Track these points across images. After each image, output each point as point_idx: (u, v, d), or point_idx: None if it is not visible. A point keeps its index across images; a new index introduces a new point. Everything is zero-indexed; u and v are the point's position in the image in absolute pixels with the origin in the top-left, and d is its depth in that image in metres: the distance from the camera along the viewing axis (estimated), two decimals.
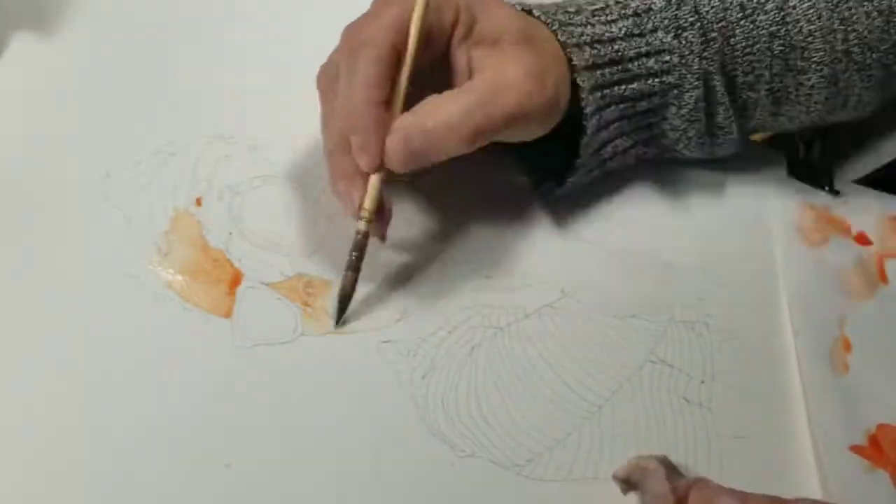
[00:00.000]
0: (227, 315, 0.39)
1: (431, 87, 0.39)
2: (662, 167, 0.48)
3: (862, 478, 0.39)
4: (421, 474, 0.36)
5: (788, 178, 0.52)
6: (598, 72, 0.42)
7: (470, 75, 0.40)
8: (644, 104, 0.43)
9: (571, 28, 0.42)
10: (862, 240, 0.48)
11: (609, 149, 0.44)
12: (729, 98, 0.44)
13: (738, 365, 0.42)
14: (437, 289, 0.42)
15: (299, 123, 0.46)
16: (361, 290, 0.40)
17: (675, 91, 0.43)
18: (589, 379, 0.41)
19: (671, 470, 0.37)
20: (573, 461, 0.38)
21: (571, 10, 0.43)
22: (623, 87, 0.42)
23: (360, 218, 0.39)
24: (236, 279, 0.40)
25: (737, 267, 0.46)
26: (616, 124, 0.43)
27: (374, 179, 0.38)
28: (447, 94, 0.39)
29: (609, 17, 0.43)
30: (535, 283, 0.43)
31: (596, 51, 0.42)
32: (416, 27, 0.38)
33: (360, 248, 0.39)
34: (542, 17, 0.42)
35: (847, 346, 0.43)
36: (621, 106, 0.43)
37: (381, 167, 0.38)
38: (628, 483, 0.37)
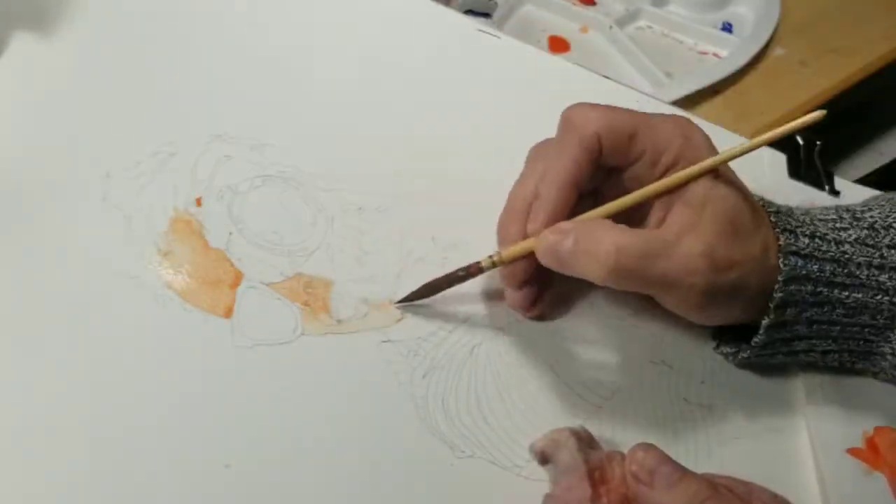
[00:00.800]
0: (227, 315, 0.39)
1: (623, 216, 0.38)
2: None
3: (860, 480, 0.39)
4: (420, 474, 0.36)
5: (789, 178, 0.52)
6: (816, 265, 0.39)
7: (657, 224, 0.39)
8: (865, 318, 0.40)
9: (790, 219, 0.40)
10: None
11: (804, 343, 0.41)
12: None
13: None
14: None
15: (300, 123, 0.47)
16: (361, 290, 0.40)
17: None
18: (589, 379, 0.41)
19: (585, 442, 0.36)
20: None
21: (797, 210, 0.41)
22: (847, 293, 0.39)
23: (492, 254, 0.39)
24: (236, 279, 0.40)
25: None
26: (823, 326, 0.40)
27: (528, 242, 0.38)
28: (622, 226, 0.37)
29: (839, 225, 0.40)
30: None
31: (816, 244, 0.39)
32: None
33: (467, 271, 0.39)
34: (762, 203, 0.40)
35: None
36: (838, 311, 0.40)
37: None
38: (544, 456, 0.36)
